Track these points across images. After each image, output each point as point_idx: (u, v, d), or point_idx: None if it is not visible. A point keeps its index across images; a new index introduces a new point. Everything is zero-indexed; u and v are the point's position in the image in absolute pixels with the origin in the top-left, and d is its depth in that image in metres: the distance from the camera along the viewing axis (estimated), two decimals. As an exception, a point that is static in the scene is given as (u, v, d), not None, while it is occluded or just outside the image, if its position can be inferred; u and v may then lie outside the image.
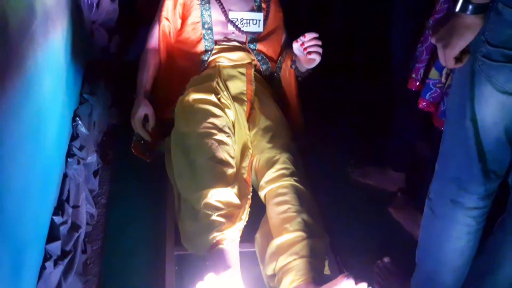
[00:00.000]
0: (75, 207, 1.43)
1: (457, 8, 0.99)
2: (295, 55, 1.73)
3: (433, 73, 1.49)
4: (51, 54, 1.33)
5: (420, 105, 1.54)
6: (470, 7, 0.98)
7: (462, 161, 1.14)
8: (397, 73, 1.73)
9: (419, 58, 1.54)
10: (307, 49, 1.65)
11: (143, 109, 1.70)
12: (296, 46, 1.67)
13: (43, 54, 1.25)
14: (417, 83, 1.56)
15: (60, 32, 1.46)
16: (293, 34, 1.99)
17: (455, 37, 1.02)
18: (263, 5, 1.91)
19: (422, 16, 1.55)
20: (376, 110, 2.16)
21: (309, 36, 1.65)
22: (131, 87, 1.82)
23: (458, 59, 1.06)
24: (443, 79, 1.47)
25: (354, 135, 2.18)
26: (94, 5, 1.83)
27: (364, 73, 2.41)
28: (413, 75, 1.57)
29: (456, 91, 1.16)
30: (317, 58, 1.66)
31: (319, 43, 1.65)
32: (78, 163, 1.53)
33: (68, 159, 1.51)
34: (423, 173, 1.63)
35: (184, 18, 1.86)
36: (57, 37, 1.41)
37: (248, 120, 1.70)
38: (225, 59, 1.81)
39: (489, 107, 1.06)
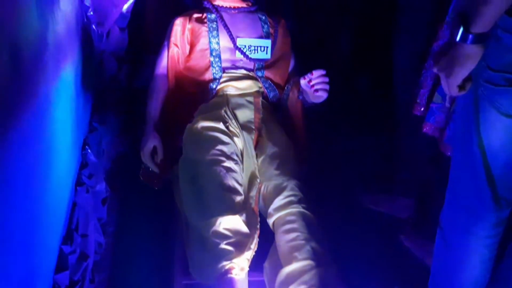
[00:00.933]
0: (84, 236, 1.42)
1: (457, 38, 1.00)
2: (302, 89, 1.75)
3: (437, 98, 1.50)
4: (62, 84, 1.36)
5: (425, 130, 1.54)
6: (470, 37, 0.99)
7: (471, 189, 1.14)
8: (401, 98, 1.74)
9: (423, 84, 1.56)
10: (314, 86, 1.67)
11: (152, 141, 1.72)
12: (303, 82, 1.70)
13: (54, 85, 1.27)
14: (422, 108, 1.57)
15: (71, 62, 1.48)
16: (300, 57, 2.03)
17: (457, 66, 1.03)
18: (271, 31, 1.94)
19: (425, 42, 1.57)
20: (383, 135, 2.16)
21: (316, 73, 1.67)
22: (140, 114, 1.84)
23: (461, 87, 1.07)
24: (447, 104, 1.48)
25: (362, 161, 2.18)
26: (104, 35, 1.87)
27: (369, 98, 2.43)
28: (418, 100, 1.58)
29: (461, 117, 1.16)
30: (324, 95, 1.69)
31: (326, 80, 1.68)
32: (87, 191, 1.54)
33: (78, 187, 1.51)
34: (433, 198, 1.61)
35: (192, 44, 1.88)
36: (68, 68, 1.44)
37: (255, 148, 1.70)
38: (233, 88, 1.82)
39: (495, 132, 1.06)
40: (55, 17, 1.28)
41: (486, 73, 1.04)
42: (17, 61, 1.00)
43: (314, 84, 1.68)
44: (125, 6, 1.95)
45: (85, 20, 1.70)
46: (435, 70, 1.09)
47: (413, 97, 1.60)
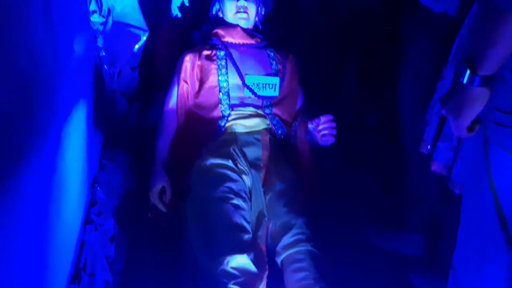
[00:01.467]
0: (91, 275, 1.42)
1: (465, 81, 1.02)
2: (310, 131, 1.77)
3: (444, 136, 1.50)
4: (73, 124, 1.38)
5: (433, 168, 1.54)
6: (477, 79, 1.00)
7: (484, 230, 1.12)
8: (408, 135, 1.75)
9: (429, 122, 1.57)
10: (321, 132, 1.69)
11: (161, 182, 1.73)
12: (311, 126, 1.72)
13: (66, 124, 1.30)
14: (428, 146, 1.58)
15: (83, 102, 1.52)
16: (307, 93, 2.05)
17: (465, 108, 1.05)
18: (280, 67, 1.95)
19: (429, 80, 1.59)
20: (391, 172, 2.16)
21: (323, 118, 1.70)
22: (149, 150, 1.86)
23: (469, 128, 1.08)
24: (454, 142, 1.48)
25: (370, 197, 2.16)
26: (116, 74, 1.91)
27: (377, 134, 2.43)
28: (424, 138, 1.59)
29: (470, 158, 1.17)
30: (331, 140, 1.72)
31: (334, 125, 1.70)
32: (96, 229, 1.54)
33: (86, 225, 1.52)
34: (444, 236, 1.60)
35: (201, 81, 1.90)
36: (80, 107, 1.47)
37: (263, 184, 1.70)
38: (242, 126, 1.84)
39: (506, 172, 1.06)
40: (68, 58, 1.32)
41: (495, 114, 1.04)
42: (31, 102, 1.03)
43: (322, 129, 1.70)
44: (137, 46, 2.00)
45: (97, 60, 1.75)
46: (443, 112, 1.10)
47: (420, 135, 1.61)
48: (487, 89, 1.02)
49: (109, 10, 1.78)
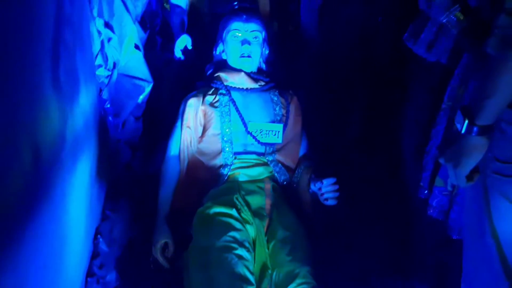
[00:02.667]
0: (93, 329, 1.40)
1: (463, 131, 1.03)
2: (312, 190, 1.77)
3: (438, 181, 1.52)
4: (78, 177, 1.40)
5: (429, 212, 1.54)
6: (475, 129, 1.02)
7: (488, 280, 1.11)
8: (409, 182, 1.76)
9: (425, 168, 1.58)
10: (324, 195, 1.70)
11: (163, 237, 1.71)
12: (314, 188, 1.73)
13: (70, 178, 1.31)
14: (426, 191, 1.59)
15: (87, 154, 1.54)
16: (311, 136, 2.07)
17: (464, 157, 1.06)
18: (283, 112, 1.94)
19: (427, 127, 1.62)
20: (395, 218, 2.14)
21: (327, 182, 1.70)
22: (152, 198, 1.86)
23: (469, 177, 1.08)
24: (448, 187, 1.49)
25: (374, 245, 2.13)
26: (120, 125, 1.94)
27: (379, 181, 2.43)
28: (421, 184, 1.60)
29: (471, 208, 1.16)
30: (333, 203, 1.71)
31: (336, 188, 1.70)
32: (98, 282, 1.53)
33: (88, 278, 1.51)
34: (449, 284, 1.57)
35: (204, 127, 1.89)
36: (84, 159, 1.49)
37: (266, 233, 1.69)
38: (244, 175, 1.83)
39: (509, 221, 1.05)
40: (74, 113, 1.36)
41: (494, 164, 1.05)
42: (37, 160, 1.05)
43: (324, 193, 1.70)
44: (141, 97, 2.05)
45: (102, 112, 1.79)
46: (441, 161, 1.11)
47: (418, 181, 1.62)
48: (486, 138, 1.03)
49: (114, 63, 1.84)
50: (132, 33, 1.99)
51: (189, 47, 2.22)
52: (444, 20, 1.28)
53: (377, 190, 2.33)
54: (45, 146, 1.10)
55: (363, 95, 2.36)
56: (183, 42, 2.20)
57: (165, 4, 3.19)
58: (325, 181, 1.69)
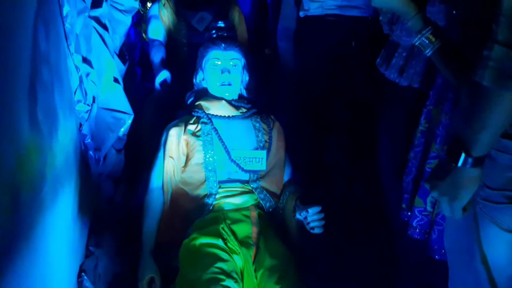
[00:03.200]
0: None
1: (459, 163, 1.02)
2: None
3: (418, 201, 1.53)
4: (58, 215, 1.38)
5: (409, 232, 1.56)
6: (470, 160, 1.01)
7: None
8: (390, 204, 1.77)
9: (406, 189, 1.60)
10: (309, 224, 1.69)
11: (149, 272, 1.68)
12: (299, 217, 1.72)
13: (51, 217, 1.29)
14: (408, 213, 1.60)
15: (68, 191, 1.52)
16: (293, 160, 2.07)
17: (461, 190, 1.04)
18: (266, 138, 1.95)
19: (404, 148, 1.64)
20: (381, 240, 2.15)
21: (312, 211, 1.69)
22: (136, 232, 1.83)
23: (463, 208, 1.07)
24: (428, 207, 1.51)
25: (362, 267, 2.13)
26: (101, 159, 1.93)
27: (363, 204, 2.44)
28: (403, 205, 1.61)
29: (459, 233, 1.16)
30: (319, 231, 1.71)
31: (322, 216, 1.70)
32: (83, 322, 1.49)
33: (72, 319, 1.47)
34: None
35: (187, 157, 1.88)
36: (65, 197, 1.47)
37: (253, 262, 1.67)
38: (229, 204, 1.82)
39: (499, 247, 1.05)
40: (53, 151, 1.34)
41: (484, 191, 1.05)
42: (16, 203, 1.03)
43: (310, 222, 1.70)
44: (122, 130, 2.04)
45: (83, 147, 1.77)
46: (434, 195, 1.09)
47: (399, 203, 1.64)
48: (480, 168, 1.03)
49: (93, 97, 1.83)
50: (111, 66, 2.00)
51: (168, 81, 2.28)
52: (416, 43, 1.32)
53: (360, 213, 2.35)
54: (24, 188, 1.08)
55: (342, 119, 2.39)
56: (163, 77, 2.29)
57: (143, 35, 3.23)
58: (310, 210, 1.68)
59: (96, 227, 1.87)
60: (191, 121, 1.94)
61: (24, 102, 1.14)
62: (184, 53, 2.54)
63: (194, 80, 2.12)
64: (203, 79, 2.06)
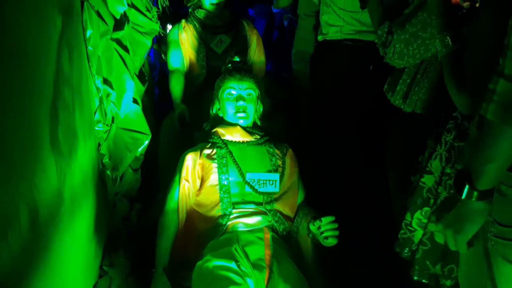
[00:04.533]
0: None
1: (463, 196, 1.01)
2: (312, 232, 1.76)
3: (407, 215, 1.53)
4: (75, 235, 1.39)
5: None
6: (476, 193, 1.00)
7: None
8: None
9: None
10: (323, 233, 1.69)
11: None
12: (313, 228, 1.72)
13: (67, 237, 1.30)
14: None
15: (85, 211, 1.53)
16: (307, 187, 2.07)
17: (466, 223, 1.04)
18: (279, 163, 1.98)
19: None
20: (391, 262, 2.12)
21: (325, 220, 1.70)
22: (150, 251, 1.84)
23: (468, 243, 1.07)
24: (414, 224, 1.51)
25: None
26: (118, 178, 1.94)
27: (374, 228, 2.41)
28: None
29: (472, 269, 1.14)
30: (333, 242, 1.70)
31: (336, 226, 1.70)
32: None
33: None
34: None
35: (202, 179, 1.91)
36: (82, 217, 1.48)
37: (267, 285, 1.66)
38: (243, 224, 1.83)
39: None
40: (72, 171, 1.36)
41: (496, 228, 1.03)
42: (35, 222, 1.04)
43: (324, 231, 1.69)
44: (139, 150, 2.06)
45: (101, 166, 1.79)
46: (440, 228, 1.09)
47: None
48: (487, 202, 1.02)
49: (113, 118, 1.86)
50: (131, 87, 2.03)
51: (187, 119, 2.31)
52: (436, 41, 1.35)
53: (373, 235, 2.32)
54: (42, 207, 1.10)
55: (357, 142, 2.39)
56: (182, 112, 2.31)
57: (163, 56, 3.28)
58: (323, 219, 1.69)
59: (110, 247, 1.88)
60: (207, 146, 2.00)
61: (46, 123, 1.17)
62: (203, 75, 2.58)
63: (210, 111, 2.19)
64: (219, 109, 2.13)
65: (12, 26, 0.99)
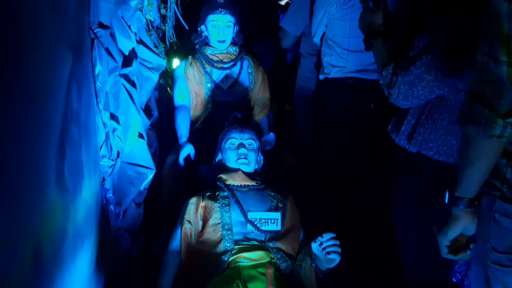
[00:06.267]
0: None
1: (446, 200, 1.11)
2: (314, 254, 1.75)
3: None
4: (77, 272, 1.37)
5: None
6: (454, 200, 1.11)
7: None
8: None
9: None
10: (325, 249, 1.68)
11: None
12: (315, 246, 1.71)
13: (69, 274, 1.29)
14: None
15: (87, 247, 1.52)
16: (310, 229, 2.06)
17: (445, 226, 1.14)
18: (280, 205, 2.02)
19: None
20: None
21: (327, 236, 1.70)
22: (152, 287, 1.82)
23: (452, 250, 1.16)
24: None
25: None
26: (121, 213, 1.94)
27: (379, 259, 2.39)
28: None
29: None
30: (336, 258, 1.69)
31: (338, 242, 1.69)
32: None
33: None
34: None
35: (205, 220, 1.94)
36: (84, 253, 1.47)
37: (270, 324, 1.63)
38: (245, 259, 1.82)
39: None
40: (76, 208, 1.36)
41: (493, 255, 1.07)
42: (38, 260, 1.04)
43: (326, 247, 1.69)
44: (143, 184, 2.07)
45: (104, 201, 1.79)
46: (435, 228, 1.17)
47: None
48: (465, 212, 1.10)
49: (118, 152, 1.87)
50: (137, 122, 2.05)
51: (192, 158, 2.39)
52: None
53: (377, 272, 2.29)
54: (46, 245, 1.09)
55: (359, 181, 2.39)
56: (187, 152, 2.40)
57: (168, 89, 3.32)
58: (325, 235, 1.69)
59: (112, 284, 1.85)
60: (210, 190, 2.07)
61: (52, 160, 1.17)
62: (208, 110, 2.60)
63: (214, 161, 2.28)
64: (222, 160, 2.23)
65: (28, 64, 1.01)
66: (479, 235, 1.14)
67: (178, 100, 2.63)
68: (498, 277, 1.06)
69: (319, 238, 1.70)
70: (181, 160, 2.38)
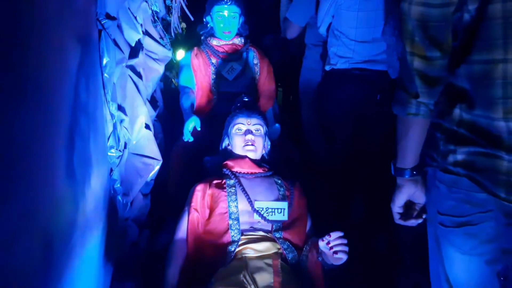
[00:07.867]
0: None
1: (392, 171, 1.28)
2: (321, 251, 1.76)
3: None
4: (85, 262, 1.39)
5: None
6: (395, 170, 1.27)
7: None
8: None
9: None
10: (333, 248, 1.68)
11: None
12: (322, 244, 1.71)
13: (78, 265, 1.30)
14: None
15: (96, 237, 1.54)
16: (316, 220, 2.06)
17: (393, 195, 1.31)
18: (287, 193, 2.02)
19: None
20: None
21: (334, 235, 1.69)
22: (159, 278, 1.83)
23: (402, 216, 1.32)
24: None
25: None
26: (129, 204, 1.95)
27: (386, 256, 2.39)
28: None
29: (430, 256, 1.28)
30: (343, 257, 1.69)
31: (345, 241, 1.69)
32: None
33: None
34: None
35: (212, 209, 1.94)
36: (93, 244, 1.48)
37: (276, 314, 1.64)
38: (252, 250, 1.83)
39: (457, 268, 1.17)
40: (85, 198, 1.37)
41: (438, 217, 1.19)
42: (47, 251, 1.05)
43: (333, 246, 1.69)
44: (150, 175, 2.07)
45: (112, 191, 1.80)
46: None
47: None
48: (405, 181, 1.26)
49: (125, 143, 1.88)
50: (143, 113, 2.06)
51: (198, 129, 2.32)
52: None
53: (386, 267, 2.30)
54: (56, 236, 1.10)
55: (365, 173, 2.38)
56: (191, 122, 2.32)
57: (173, 80, 3.32)
58: (332, 234, 1.69)
59: (119, 273, 1.87)
60: (217, 178, 2.05)
61: (62, 152, 1.18)
62: (214, 101, 2.60)
63: (220, 147, 2.25)
64: (228, 145, 2.20)
65: (37, 57, 1.02)
66: (429, 201, 1.27)
67: (183, 83, 2.62)
68: (444, 235, 1.17)
69: (327, 237, 1.69)
70: (185, 131, 2.32)
